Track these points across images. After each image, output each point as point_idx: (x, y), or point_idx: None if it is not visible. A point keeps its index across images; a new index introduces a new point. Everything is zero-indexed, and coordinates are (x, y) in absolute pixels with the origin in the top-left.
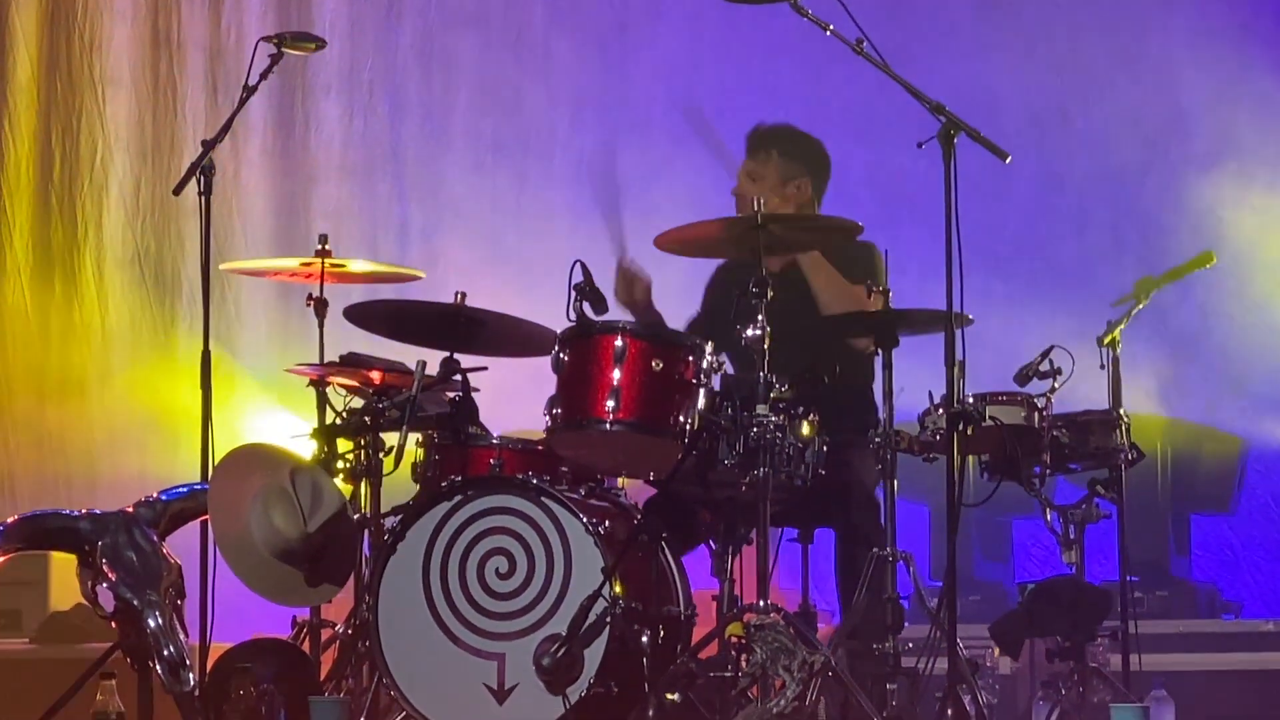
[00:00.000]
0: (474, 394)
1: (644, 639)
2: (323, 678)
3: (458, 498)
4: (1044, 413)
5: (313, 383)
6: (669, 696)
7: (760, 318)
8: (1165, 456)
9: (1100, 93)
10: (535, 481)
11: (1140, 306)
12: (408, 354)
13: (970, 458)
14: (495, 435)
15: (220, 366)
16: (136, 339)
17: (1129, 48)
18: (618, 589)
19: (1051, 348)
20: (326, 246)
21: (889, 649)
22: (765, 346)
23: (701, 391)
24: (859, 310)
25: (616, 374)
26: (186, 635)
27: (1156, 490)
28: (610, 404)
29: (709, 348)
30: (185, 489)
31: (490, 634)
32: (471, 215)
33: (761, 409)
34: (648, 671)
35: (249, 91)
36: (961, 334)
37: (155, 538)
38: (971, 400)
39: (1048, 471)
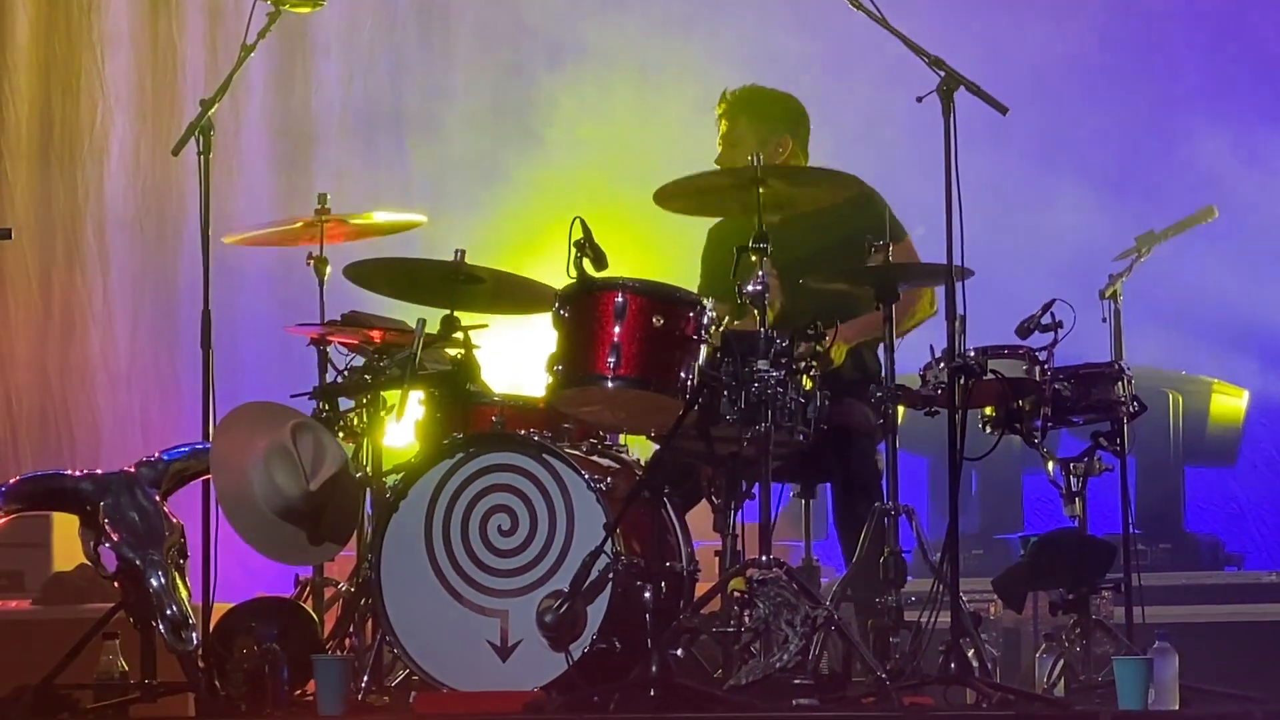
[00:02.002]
0: (475, 351)
1: (646, 595)
2: (326, 636)
3: (460, 455)
4: (1045, 366)
5: (313, 342)
6: (672, 652)
7: (760, 273)
8: (1178, 411)
9: (1101, 46)
10: (537, 438)
11: (1142, 260)
12: (408, 312)
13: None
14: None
15: (221, 325)
16: (138, 299)
17: (1128, 1)
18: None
19: (1053, 301)
20: (326, 205)
21: (892, 603)
22: (765, 301)
23: (703, 347)
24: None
25: (617, 330)
26: (189, 594)
27: (1168, 445)
28: (611, 360)
29: (709, 304)
30: (187, 448)
31: (493, 591)
32: (472, 173)
33: (762, 364)
34: (650, 627)
35: (247, 50)
36: (962, 287)
37: (157, 497)
38: (973, 354)
39: (1049, 425)
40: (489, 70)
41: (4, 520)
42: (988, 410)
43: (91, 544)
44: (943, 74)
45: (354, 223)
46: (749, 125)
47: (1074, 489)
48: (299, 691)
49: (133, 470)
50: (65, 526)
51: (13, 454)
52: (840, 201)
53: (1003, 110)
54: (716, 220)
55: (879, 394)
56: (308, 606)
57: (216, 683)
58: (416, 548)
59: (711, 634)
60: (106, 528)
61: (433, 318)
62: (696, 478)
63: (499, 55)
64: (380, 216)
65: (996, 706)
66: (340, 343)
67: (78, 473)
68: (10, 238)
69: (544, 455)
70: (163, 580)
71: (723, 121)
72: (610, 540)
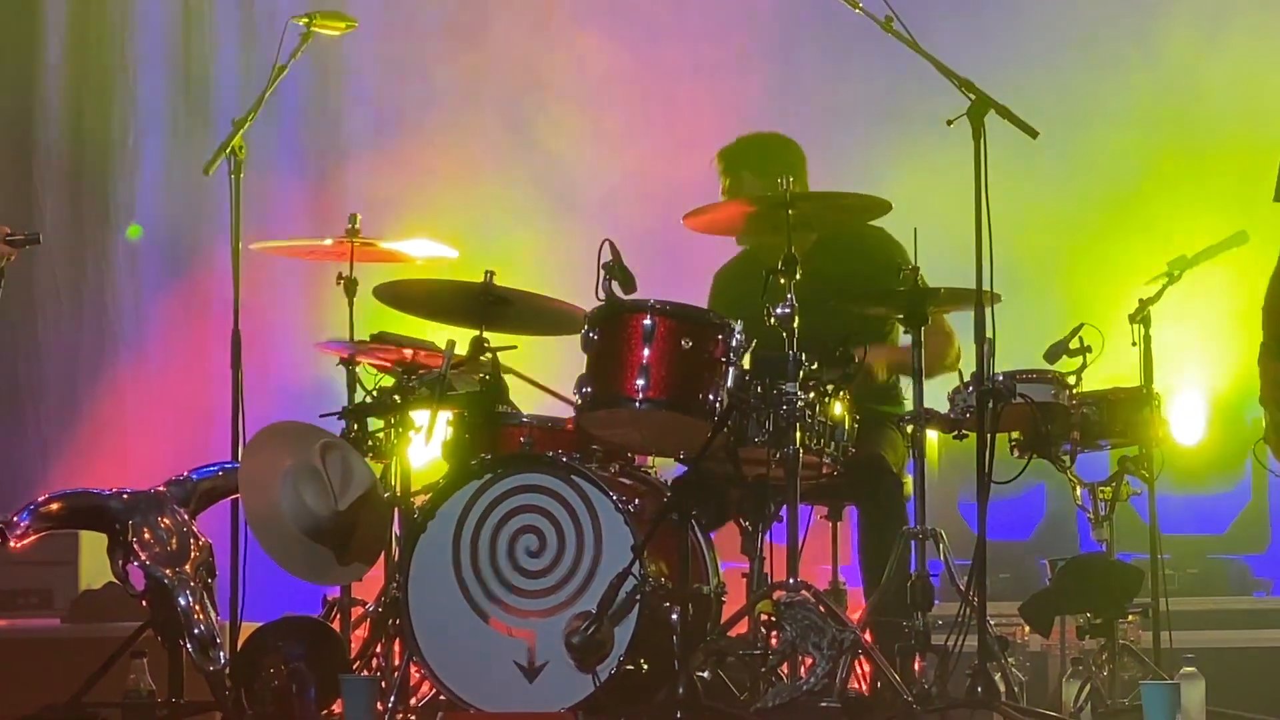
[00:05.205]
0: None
1: (674, 617)
2: (353, 656)
3: (488, 476)
4: (1074, 390)
5: (343, 361)
6: (698, 674)
7: (789, 296)
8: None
9: (1128, 70)
10: (565, 459)
11: (1172, 285)
12: (438, 333)
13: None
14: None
15: (251, 345)
16: (168, 318)
17: (1153, 27)
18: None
19: (1082, 325)
20: (356, 226)
21: (919, 626)
22: (794, 324)
23: (731, 369)
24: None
25: (646, 352)
26: (217, 613)
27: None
28: (640, 382)
29: (738, 326)
30: (216, 467)
31: (521, 612)
32: (502, 195)
33: (791, 386)
34: (677, 649)
35: (279, 70)
36: (991, 311)
37: (186, 516)
38: (1001, 378)
39: (1078, 449)
40: (520, 92)
41: (33, 538)
42: (1016, 434)
43: (120, 562)
44: (974, 97)
45: (383, 247)
46: (753, 179)
47: (1101, 513)
48: (326, 711)
49: (162, 489)
50: (93, 545)
51: (41, 471)
52: (869, 241)
53: (1033, 134)
54: (724, 264)
55: (907, 417)
56: (335, 626)
57: (244, 702)
58: (444, 568)
59: (738, 656)
60: (135, 546)
61: (462, 339)
62: (724, 499)
63: (530, 76)
64: (410, 246)
65: None
66: (369, 363)
67: (106, 491)
68: (39, 242)
69: (572, 476)
70: (190, 599)
71: (725, 178)
72: (638, 562)
